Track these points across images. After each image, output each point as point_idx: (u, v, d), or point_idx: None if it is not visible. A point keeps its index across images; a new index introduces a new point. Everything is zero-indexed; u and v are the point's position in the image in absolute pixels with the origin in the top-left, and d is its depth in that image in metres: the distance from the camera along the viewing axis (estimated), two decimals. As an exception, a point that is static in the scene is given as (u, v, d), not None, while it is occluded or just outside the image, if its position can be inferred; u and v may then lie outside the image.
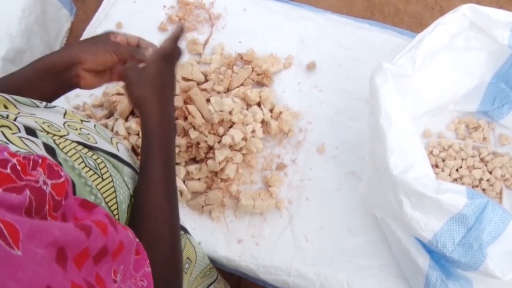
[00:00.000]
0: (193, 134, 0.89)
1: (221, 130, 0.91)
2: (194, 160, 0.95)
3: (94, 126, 0.54)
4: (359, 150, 0.95)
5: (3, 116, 0.41)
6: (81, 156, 0.43)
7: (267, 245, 0.89)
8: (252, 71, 1.04)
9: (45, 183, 0.32)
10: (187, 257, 0.71)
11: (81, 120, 0.52)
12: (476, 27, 0.83)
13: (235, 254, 0.88)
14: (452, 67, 0.88)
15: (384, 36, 1.10)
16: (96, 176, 0.43)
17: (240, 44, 1.11)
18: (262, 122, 0.96)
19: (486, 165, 0.91)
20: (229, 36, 1.12)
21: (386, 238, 0.86)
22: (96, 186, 0.42)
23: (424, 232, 0.70)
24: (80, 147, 0.45)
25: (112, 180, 0.45)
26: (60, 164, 0.39)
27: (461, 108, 0.98)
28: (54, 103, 0.52)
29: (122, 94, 0.99)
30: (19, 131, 0.40)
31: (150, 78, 0.60)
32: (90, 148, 0.47)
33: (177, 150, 0.91)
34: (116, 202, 0.45)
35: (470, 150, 0.92)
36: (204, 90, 0.98)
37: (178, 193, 0.90)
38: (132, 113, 0.98)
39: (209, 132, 0.91)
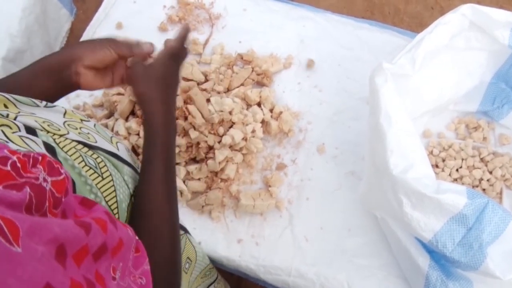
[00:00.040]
0: (193, 134, 0.89)
1: (221, 130, 0.91)
2: (194, 160, 0.95)
3: (94, 125, 0.54)
4: (359, 150, 0.95)
5: (3, 115, 0.41)
6: (81, 155, 0.43)
7: (267, 245, 0.89)
8: (252, 71, 1.04)
9: (45, 180, 0.32)
10: (187, 257, 0.71)
11: (81, 120, 0.52)
12: (476, 27, 0.83)
13: (235, 254, 0.88)
14: (452, 67, 0.88)
15: (384, 36, 1.10)
16: (96, 175, 0.43)
17: (240, 44, 1.11)
18: (262, 122, 0.96)
19: (486, 165, 0.91)
20: (229, 36, 1.12)
21: (386, 238, 0.86)
22: (96, 185, 0.42)
23: (424, 232, 0.70)
24: (80, 146, 0.45)
25: (112, 179, 0.45)
26: (60, 163, 0.39)
27: (461, 108, 0.98)
28: (54, 103, 0.52)
29: (122, 94, 0.99)
30: (19, 130, 0.40)
31: (157, 77, 0.60)
32: (90, 147, 0.47)
33: (177, 150, 0.91)
34: (116, 201, 0.45)
35: (470, 150, 0.92)
36: (204, 90, 0.98)
37: (178, 193, 0.90)
38: (132, 113, 0.98)
39: (209, 132, 0.91)
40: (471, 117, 0.98)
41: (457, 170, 0.91)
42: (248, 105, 0.98)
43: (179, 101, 0.93)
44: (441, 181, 0.71)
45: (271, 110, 0.99)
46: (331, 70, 1.07)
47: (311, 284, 0.85)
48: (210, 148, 0.92)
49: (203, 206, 0.91)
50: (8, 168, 0.30)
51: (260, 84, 1.05)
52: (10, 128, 0.39)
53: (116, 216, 0.45)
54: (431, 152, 0.93)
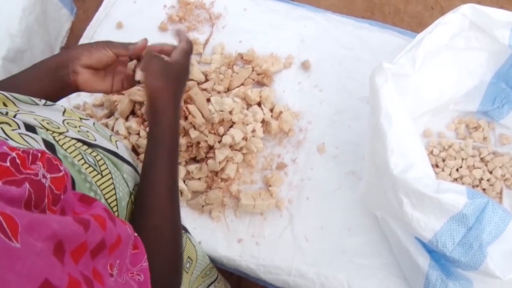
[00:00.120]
0: (193, 133, 0.89)
1: (221, 129, 0.91)
2: (194, 160, 0.95)
3: (93, 124, 0.54)
4: (359, 150, 0.95)
5: (2, 113, 0.41)
6: (80, 153, 0.43)
7: (267, 245, 0.89)
8: (253, 70, 1.04)
9: (44, 176, 0.32)
10: (188, 257, 0.71)
11: (80, 118, 0.52)
12: (476, 27, 0.83)
13: (236, 253, 0.88)
14: (452, 67, 0.88)
15: (384, 36, 1.10)
16: (95, 172, 0.43)
17: (241, 43, 1.11)
18: (263, 121, 0.96)
19: (486, 165, 0.91)
20: (230, 36, 1.12)
21: (386, 237, 0.86)
22: (95, 182, 0.42)
23: (424, 231, 0.70)
24: (79, 144, 0.45)
25: (112, 177, 0.45)
26: (60, 160, 0.39)
27: (461, 108, 0.98)
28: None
29: (123, 94, 0.99)
30: (19, 127, 0.40)
31: (174, 75, 0.60)
32: (89, 145, 0.47)
33: (177, 149, 0.91)
34: (116, 199, 0.45)
35: (470, 150, 0.92)
36: (205, 89, 0.98)
37: (179, 192, 0.90)
38: (132, 112, 0.98)
39: (210, 132, 0.91)
40: (471, 117, 0.98)
41: (457, 170, 0.91)
42: (248, 105, 0.98)
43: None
44: (441, 180, 0.71)
45: (271, 110, 0.99)
46: (331, 70, 1.07)
47: (311, 284, 0.85)
48: (210, 147, 0.92)
49: (203, 206, 0.91)
50: (8, 164, 0.30)
51: (260, 83, 1.05)
52: (10, 125, 0.39)
53: (116, 214, 0.45)
54: (431, 152, 0.93)
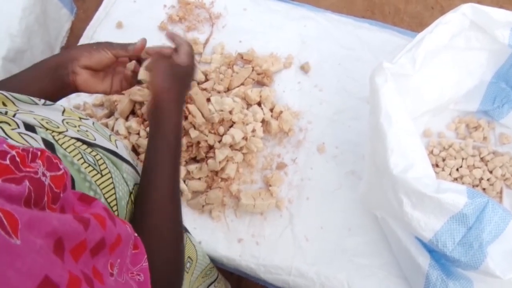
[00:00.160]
0: (193, 133, 0.89)
1: (221, 129, 0.91)
2: (194, 160, 0.95)
3: (93, 123, 0.54)
4: (359, 150, 0.95)
5: (2, 113, 0.41)
6: (80, 152, 0.43)
7: (267, 245, 0.89)
8: (253, 70, 1.04)
9: (44, 174, 0.32)
10: (188, 256, 0.71)
11: (80, 118, 0.52)
12: (476, 26, 0.83)
13: (236, 253, 0.88)
14: (453, 67, 0.88)
15: (384, 36, 1.10)
16: (95, 172, 0.43)
17: (241, 43, 1.11)
18: (263, 121, 0.96)
19: (486, 165, 0.91)
20: (230, 36, 1.12)
21: (386, 237, 0.86)
22: (95, 182, 0.42)
23: (425, 231, 0.70)
24: (79, 143, 0.45)
25: (111, 177, 0.45)
26: (59, 158, 0.39)
27: (462, 108, 0.98)
28: (54, 103, 0.52)
29: (123, 94, 0.99)
30: (18, 127, 0.40)
31: (181, 77, 0.61)
32: (89, 144, 0.47)
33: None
34: (116, 198, 0.45)
35: (471, 150, 0.92)
36: (205, 89, 0.98)
37: (180, 193, 0.90)
38: (132, 112, 0.98)
39: (210, 132, 0.91)
40: (471, 117, 0.98)
41: (457, 169, 0.91)
42: (248, 105, 0.98)
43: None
44: (441, 180, 0.71)
45: (271, 110, 0.99)
46: (331, 70, 1.07)
47: (311, 284, 0.85)
48: (211, 147, 0.92)
49: (203, 206, 0.91)
50: (7, 162, 0.30)
51: (260, 83, 1.05)
52: (9, 125, 0.39)
53: (116, 213, 0.45)
54: (432, 152, 0.93)
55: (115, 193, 0.45)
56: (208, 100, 0.95)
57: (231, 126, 0.92)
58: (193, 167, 0.91)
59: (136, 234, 0.41)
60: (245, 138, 0.91)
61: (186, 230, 0.75)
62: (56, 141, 0.42)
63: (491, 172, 0.90)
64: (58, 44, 1.77)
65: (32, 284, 0.24)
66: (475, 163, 0.91)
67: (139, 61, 0.67)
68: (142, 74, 0.63)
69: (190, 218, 0.92)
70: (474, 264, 0.68)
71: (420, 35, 0.80)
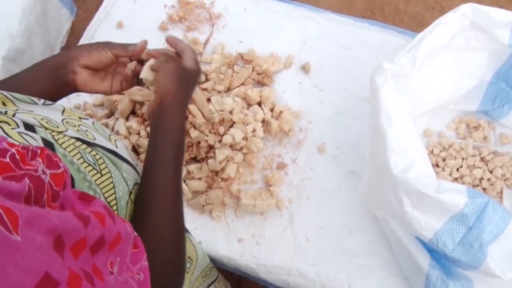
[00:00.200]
0: (193, 133, 0.89)
1: (221, 129, 0.91)
2: (194, 160, 0.95)
3: (93, 123, 0.54)
4: (359, 150, 0.95)
5: (1, 112, 0.41)
6: (79, 152, 0.43)
7: (267, 245, 0.89)
8: (253, 70, 1.04)
9: (44, 172, 0.32)
10: (188, 256, 0.71)
11: (79, 117, 0.52)
12: (476, 26, 0.83)
13: (236, 253, 0.88)
14: (453, 67, 0.88)
15: (385, 36, 1.10)
16: (95, 171, 0.43)
17: (241, 43, 1.11)
18: (263, 121, 0.96)
19: (486, 165, 0.91)
20: (230, 36, 1.12)
21: (387, 237, 0.86)
22: (95, 181, 0.42)
23: (425, 231, 0.70)
24: (78, 143, 0.45)
25: (111, 176, 0.45)
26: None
27: (462, 108, 0.98)
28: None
29: (123, 94, 0.99)
30: (18, 126, 0.40)
31: (187, 80, 0.61)
32: (88, 144, 0.47)
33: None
34: (115, 198, 0.45)
35: (471, 150, 0.92)
36: (205, 89, 0.98)
37: (182, 193, 0.90)
38: (132, 112, 0.98)
39: (210, 132, 0.91)
40: (471, 117, 0.98)
41: (457, 169, 0.91)
42: (249, 105, 0.98)
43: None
44: (442, 180, 0.71)
45: (271, 110, 0.99)
46: (332, 70, 1.07)
47: (312, 284, 0.85)
48: (211, 147, 0.92)
49: (203, 206, 0.91)
50: (7, 160, 0.30)
51: (260, 83, 1.05)
52: (9, 124, 0.39)
53: (116, 212, 0.45)
54: (432, 152, 0.93)
55: (115, 193, 0.45)
56: (209, 100, 0.95)
57: (231, 126, 0.93)
58: (193, 167, 0.91)
59: (136, 233, 0.41)
60: (245, 138, 0.91)
61: (186, 230, 0.75)
62: (56, 140, 0.42)
63: (491, 172, 0.90)
64: (58, 44, 1.77)
65: (32, 281, 0.24)
66: (475, 163, 0.91)
67: (140, 62, 0.67)
68: (146, 74, 0.63)
69: (190, 218, 0.92)
70: (475, 264, 0.68)
71: (420, 35, 0.80)
